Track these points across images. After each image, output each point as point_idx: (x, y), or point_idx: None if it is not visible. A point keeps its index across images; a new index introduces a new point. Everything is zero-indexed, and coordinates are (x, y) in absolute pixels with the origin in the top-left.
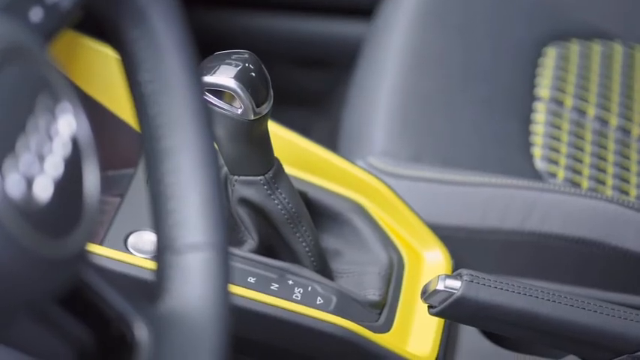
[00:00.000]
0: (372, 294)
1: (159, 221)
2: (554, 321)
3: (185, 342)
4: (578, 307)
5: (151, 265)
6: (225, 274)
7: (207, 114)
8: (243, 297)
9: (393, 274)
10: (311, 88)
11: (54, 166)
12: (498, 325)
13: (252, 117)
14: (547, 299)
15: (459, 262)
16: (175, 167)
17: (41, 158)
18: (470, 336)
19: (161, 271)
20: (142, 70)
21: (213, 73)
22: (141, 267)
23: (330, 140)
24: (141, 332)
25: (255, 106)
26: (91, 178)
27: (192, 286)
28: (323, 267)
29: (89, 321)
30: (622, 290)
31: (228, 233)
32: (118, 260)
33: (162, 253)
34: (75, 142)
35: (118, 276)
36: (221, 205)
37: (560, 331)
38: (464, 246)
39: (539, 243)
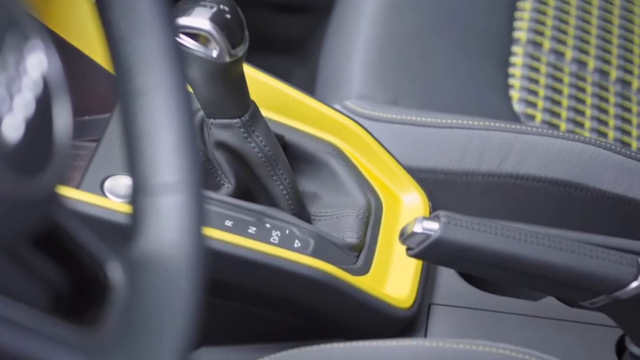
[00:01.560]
0: (350, 237)
1: (131, 162)
2: (531, 262)
3: (159, 283)
4: (556, 248)
5: (127, 208)
6: (200, 214)
7: (180, 54)
8: (220, 240)
9: (371, 216)
10: (289, 35)
11: (24, 105)
12: (476, 267)
13: (227, 59)
14: (525, 240)
15: (437, 205)
16: (148, 107)
17: (10, 97)
18: (448, 278)
19: (135, 213)
20: (113, 8)
21: (188, 14)
22: (117, 211)
23: (308, 86)
24: (115, 274)
25: (230, 49)
26: (63, 118)
27: (166, 227)
28: (300, 210)
29: (63, 263)
30: (600, 232)
31: (203, 174)
32: (94, 204)
33: (135, 194)
34: (46, 81)
35: (94, 220)
36: (194, 145)
37: (537, 273)
38: (441, 188)
39: (516, 185)
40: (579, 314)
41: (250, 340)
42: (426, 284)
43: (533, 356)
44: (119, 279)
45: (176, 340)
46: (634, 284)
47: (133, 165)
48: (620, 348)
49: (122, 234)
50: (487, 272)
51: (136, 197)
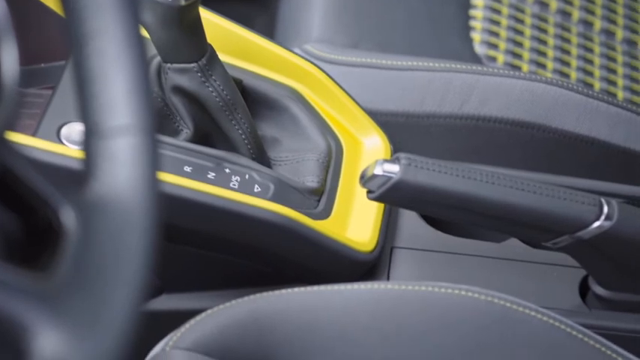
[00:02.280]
0: (311, 181)
1: (84, 105)
2: (493, 203)
3: (113, 227)
4: (518, 189)
5: (80, 153)
6: (153, 157)
7: None
8: (179, 186)
9: (332, 160)
10: None
11: None
12: (438, 209)
13: (182, 2)
14: (486, 181)
15: (399, 148)
16: (100, 49)
17: None
18: (410, 221)
19: (87, 157)
20: None
21: None
22: (73, 157)
23: (268, 30)
24: (68, 219)
25: None
26: (9, 63)
27: (120, 170)
28: (260, 155)
29: (15, 208)
30: (563, 172)
31: (156, 116)
32: (51, 151)
33: (88, 138)
34: None
35: (50, 167)
36: (148, 88)
37: (499, 214)
38: (403, 131)
39: (478, 127)
40: (542, 255)
41: (212, 286)
42: (388, 227)
43: (495, 297)
44: (72, 224)
45: (131, 285)
46: (596, 224)
47: (85, 109)
48: (584, 288)
49: (77, 179)
50: (449, 214)
51: (88, 141)
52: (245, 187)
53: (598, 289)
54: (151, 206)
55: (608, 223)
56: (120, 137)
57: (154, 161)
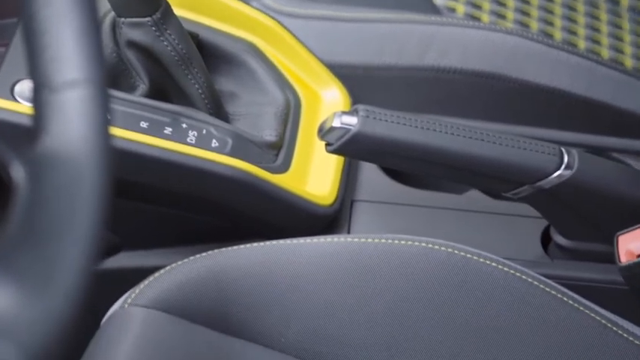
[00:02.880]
0: (269, 135)
1: (33, 58)
2: (452, 154)
3: (64, 182)
4: (477, 139)
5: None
6: (104, 110)
7: None
8: (135, 142)
9: (290, 114)
10: None
11: None
12: (397, 161)
13: None
14: (445, 132)
15: (358, 101)
16: (50, 2)
17: None
18: (371, 174)
19: (37, 111)
20: None
21: None
22: (26, 114)
23: None
24: (18, 175)
25: None
26: None
27: (70, 124)
28: (218, 109)
29: None
30: (523, 123)
31: (106, 69)
32: (4, 108)
33: (38, 91)
34: None
35: (4, 124)
36: (98, 40)
37: (459, 164)
38: (362, 84)
39: (438, 78)
40: (504, 206)
41: (171, 243)
42: (348, 181)
43: (456, 249)
44: (23, 179)
45: (83, 242)
46: (556, 173)
47: (34, 62)
48: (546, 239)
49: (28, 135)
50: (408, 166)
51: (38, 95)
52: (202, 142)
53: (560, 239)
54: (102, 160)
55: (568, 172)
56: (70, 90)
57: (105, 114)
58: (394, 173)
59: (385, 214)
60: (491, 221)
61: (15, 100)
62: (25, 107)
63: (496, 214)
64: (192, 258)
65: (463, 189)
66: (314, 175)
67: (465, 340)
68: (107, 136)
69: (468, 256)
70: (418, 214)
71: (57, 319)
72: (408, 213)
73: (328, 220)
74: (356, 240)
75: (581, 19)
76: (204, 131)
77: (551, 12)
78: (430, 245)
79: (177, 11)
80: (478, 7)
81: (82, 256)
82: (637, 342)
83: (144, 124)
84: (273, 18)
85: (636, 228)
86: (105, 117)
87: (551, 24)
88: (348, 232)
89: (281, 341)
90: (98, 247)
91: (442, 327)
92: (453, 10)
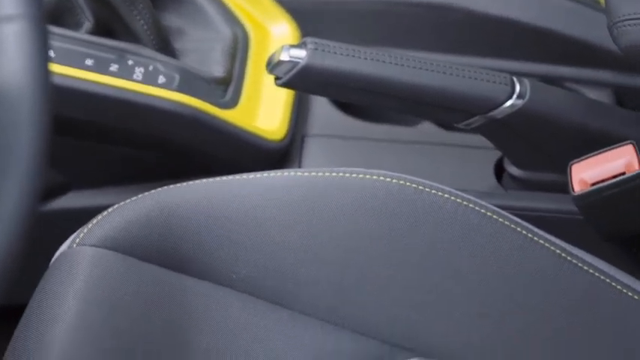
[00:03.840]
0: (217, 70)
1: None
2: (402, 85)
3: (3, 117)
4: (427, 70)
5: None
6: (42, 46)
7: None
8: (81, 79)
9: (238, 49)
10: None
11: None
12: (347, 93)
13: None
14: (395, 63)
15: (307, 35)
16: None
17: None
18: (322, 108)
19: None
20: None
21: None
22: None
23: None
24: None
25: None
26: None
27: (5, 58)
28: (165, 46)
29: None
30: (474, 53)
31: (45, 6)
32: None
33: None
34: None
35: None
36: None
37: (409, 95)
38: (312, 18)
39: (387, 10)
40: (457, 138)
41: (119, 181)
42: (299, 115)
43: (408, 181)
44: None
45: (22, 180)
46: (508, 103)
47: None
48: (499, 170)
49: None
50: (358, 98)
51: None
52: (149, 79)
53: (513, 170)
54: (39, 95)
55: (520, 102)
56: (6, 24)
57: (43, 49)
58: (346, 107)
59: (337, 148)
60: (445, 153)
61: None
62: None
63: (449, 145)
64: (140, 196)
65: (416, 121)
66: (264, 110)
67: (417, 273)
68: (45, 71)
69: (420, 187)
70: (370, 147)
71: None
72: (360, 146)
73: (279, 156)
74: (306, 174)
75: None
76: (150, 67)
77: None
78: (382, 178)
79: None
80: None
81: (21, 194)
82: (591, 270)
83: (89, 62)
84: None
85: (589, 157)
86: (43, 52)
87: None
88: (299, 167)
89: (232, 277)
90: (39, 182)
91: (394, 260)
92: None
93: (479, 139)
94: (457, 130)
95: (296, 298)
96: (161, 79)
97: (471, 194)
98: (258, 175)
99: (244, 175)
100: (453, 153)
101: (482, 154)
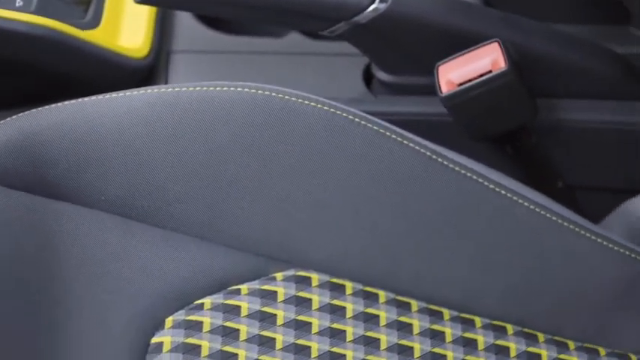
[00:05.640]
0: None
1: None
2: None
3: None
4: None
5: None
6: None
7: None
8: None
9: None
10: None
11: None
12: (207, 5)
13: None
14: None
15: None
16: None
17: None
18: (186, 23)
19: None
20: None
21: None
22: None
23: None
24: None
25: None
26: None
27: None
28: None
29: None
30: None
31: None
32: None
33: None
34: None
35: None
36: None
37: (272, 4)
38: None
39: None
40: (324, 46)
41: None
42: (163, 31)
43: (273, 92)
44: None
45: None
46: (372, 7)
47: None
48: (368, 76)
49: None
50: (219, 10)
51: None
52: (5, 2)
53: (381, 75)
54: None
55: (383, 5)
56: None
57: None
58: (211, 21)
59: (204, 64)
60: (313, 62)
61: None
62: None
63: (317, 54)
64: (2, 122)
65: (282, 32)
66: (126, 29)
67: (289, 183)
68: None
69: (287, 97)
70: (238, 60)
71: None
72: (227, 60)
73: (144, 74)
74: (170, 90)
75: None
76: None
77: None
78: (247, 90)
79: None
80: None
81: None
82: (462, 171)
83: None
84: None
85: (456, 57)
86: None
87: None
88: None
89: (101, 199)
90: None
91: (264, 171)
92: None
93: (346, 46)
94: (324, 38)
95: (168, 216)
96: (18, 3)
97: (340, 102)
98: (121, 93)
99: (107, 95)
100: (321, 62)
101: (350, 60)
